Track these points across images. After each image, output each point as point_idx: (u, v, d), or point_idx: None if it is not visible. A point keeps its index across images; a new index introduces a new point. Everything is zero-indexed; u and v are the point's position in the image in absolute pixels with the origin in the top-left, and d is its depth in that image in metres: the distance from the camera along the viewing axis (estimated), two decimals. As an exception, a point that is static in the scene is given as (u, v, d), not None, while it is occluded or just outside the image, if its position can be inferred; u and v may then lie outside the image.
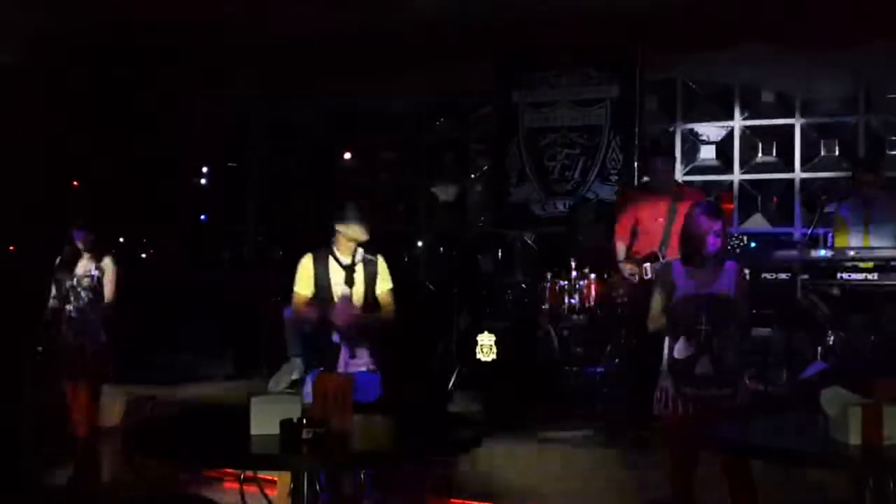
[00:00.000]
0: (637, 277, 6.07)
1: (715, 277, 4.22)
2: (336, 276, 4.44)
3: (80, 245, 5.78)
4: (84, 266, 5.77)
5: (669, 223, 5.95)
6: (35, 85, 8.30)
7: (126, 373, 7.46)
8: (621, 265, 6.24)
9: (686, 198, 5.93)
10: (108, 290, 5.75)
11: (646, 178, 8.39)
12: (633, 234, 6.27)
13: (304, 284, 4.47)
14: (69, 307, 5.73)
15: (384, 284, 4.56)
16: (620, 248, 6.32)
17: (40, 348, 5.80)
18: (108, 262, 5.79)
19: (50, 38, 7.98)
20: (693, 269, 4.25)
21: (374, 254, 4.58)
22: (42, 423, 6.11)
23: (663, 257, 5.83)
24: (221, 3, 7.59)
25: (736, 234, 5.28)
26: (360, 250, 4.52)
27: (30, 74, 8.22)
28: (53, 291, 5.81)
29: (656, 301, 4.33)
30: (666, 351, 4.28)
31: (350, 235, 4.47)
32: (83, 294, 5.68)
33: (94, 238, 5.80)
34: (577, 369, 6.95)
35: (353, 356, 4.37)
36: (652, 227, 6.14)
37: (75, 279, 5.71)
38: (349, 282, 4.41)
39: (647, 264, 6.00)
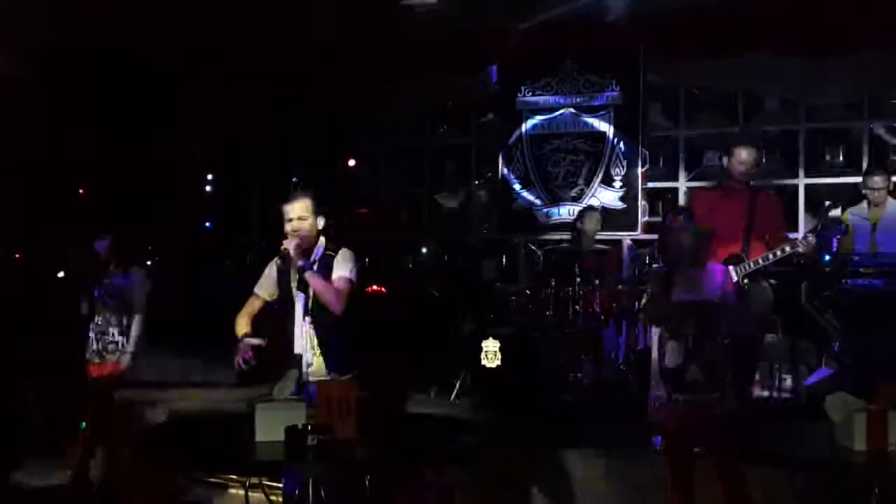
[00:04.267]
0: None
1: (700, 284, 4.18)
2: (295, 279, 4.27)
3: (104, 255, 5.72)
4: (111, 276, 5.72)
5: (750, 222, 5.62)
6: (37, 93, 8.32)
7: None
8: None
9: (761, 200, 5.74)
10: (139, 302, 5.73)
11: (651, 184, 8.44)
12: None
13: (260, 285, 4.40)
14: (97, 317, 5.70)
15: (336, 273, 4.24)
16: None
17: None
18: (138, 274, 5.77)
19: (51, 44, 8.01)
20: (678, 275, 4.20)
21: (337, 249, 4.33)
22: (48, 425, 6.11)
23: (747, 258, 5.52)
24: (225, 10, 7.61)
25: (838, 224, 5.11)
26: (319, 250, 4.31)
27: (31, 82, 8.26)
28: (83, 302, 5.74)
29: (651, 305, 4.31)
30: (656, 357, 4.26)
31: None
32: (110, 304, 5.66)
33: (121, 248, 5.76)
34: (581, 376, 6.95)
35: (308, 365, 4.21)
36: (731, 228, 5.69)
37: (103, 289, 5.68)
38: (301, 285, 4.21)
39: (731, 266, 5.51)
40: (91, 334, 5.68)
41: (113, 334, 5.67)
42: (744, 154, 5.75)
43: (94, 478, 5.65)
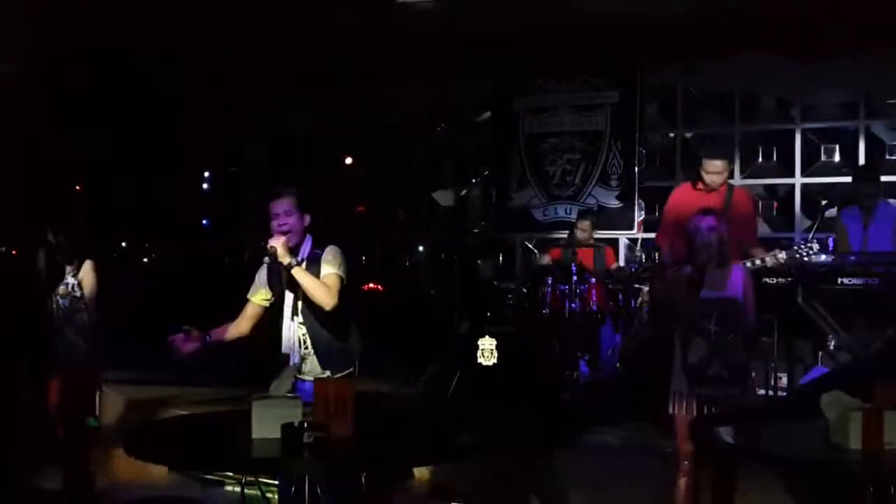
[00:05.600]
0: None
1: (723, 281, 4.35)
2: (285, 280, 4.21)
3: (50, 256, 5.68)
4: (65, 276, 5.69)
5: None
6: (36, 90, 8.31)
7: (126, 376, 7.52)
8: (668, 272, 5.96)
9: (737, 199, 5.73)
10: (88, 296, 5.69)
11: (647, 183, 8.46)
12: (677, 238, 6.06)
13: (252, 292, 4.36)
14: (53, 318, 5.67)
15: (325, 270, 4.17)
16: (666, 253, 6.03)
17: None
18: (86, 268, 5.73)
19: (50, 42, 8.00)
20: (704, 274, 4.34)
21: (325, 246, 4.25)
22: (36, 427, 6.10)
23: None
24: (225, 8, 7.61)
25: (805, 242, 5.19)
26: (306, 248, 4.24)
27: (30, 79, 8.24)
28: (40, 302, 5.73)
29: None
30: (678, 353, 4.41)
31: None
32: (61, 302, 5.64)
33: (69, 243, 5.71)
34: (577, 374, 6.96)
35: (299, 367, 4.20)
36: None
37: (51, 291, 5.65)
38: (289, 286, 4.17)
39: None
40: (47, 334, 5.66)
41: (69, 333, 5.66)
42: (715, 165, 5.76)
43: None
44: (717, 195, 5.79)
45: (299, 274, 4.12)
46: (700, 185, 5.94)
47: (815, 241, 5.34)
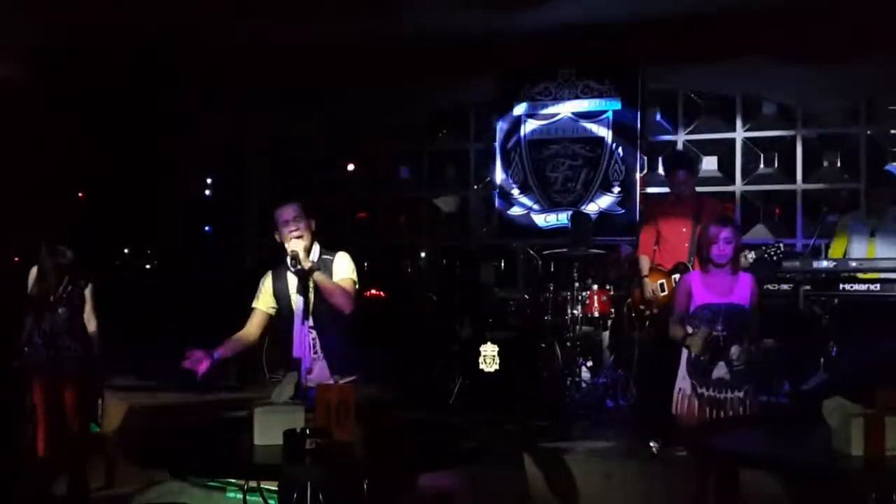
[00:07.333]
0: (664, 291, 5.92)
1: (731, 287, 4.46)
2: (293, 286, 4.25)
3: (55, 261, 5.69)
4: (61, 283, 5.69)
5: (694, 233, 5.81)
6: (36, 97, 8.32)
7: (129, 382, 7.52)
8: (645, 281, 6.10)
9: (707, 208, 5.94)
10: (88, 302, 5.71)
11: (649, 189, 8.47)
12: (657, 246, 6.20)
13: (257, 300, 4.35)
14: (44, 324, 5.68)
15: (340, 275, 4.24)
16: (644, 262, 6.23)
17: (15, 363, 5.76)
18: (86, 275, 5.74)
19: (50, 48, 8.02)
20: (710, 279, 4.49)
21: (334, 252, 4.31)
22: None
23: (692, 268, 5.62)
24: (225, 13, 7.62)
25: (773, 244, 5.26)
26: (316, 254, 4.27)
27: (31, 86, 8.25)
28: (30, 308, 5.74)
29: (675, 311, 4.59)
30: (685, 354, 4.50)
31: (285, 241, 4.23)
32: (60, 311, 5.65)
33: (70, 255, 5.73)
34: (579, 380, 6.96)
35: (308, 371, 4.20)
36: (676, 238, 6.06)
37: (52, 297, 5.66)
38: (302, 290, 4.19)
39: (677, 275, 5.74)
40: (38, 340, 5.66)
41: (65, 340, 5.67)
42: (680, 175, 6.07)
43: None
44: (688, 204, 6.00)
45: (320, 278, 4.15)
46: (671, 197, 6.19)
47: (781, 243, 5.46)
